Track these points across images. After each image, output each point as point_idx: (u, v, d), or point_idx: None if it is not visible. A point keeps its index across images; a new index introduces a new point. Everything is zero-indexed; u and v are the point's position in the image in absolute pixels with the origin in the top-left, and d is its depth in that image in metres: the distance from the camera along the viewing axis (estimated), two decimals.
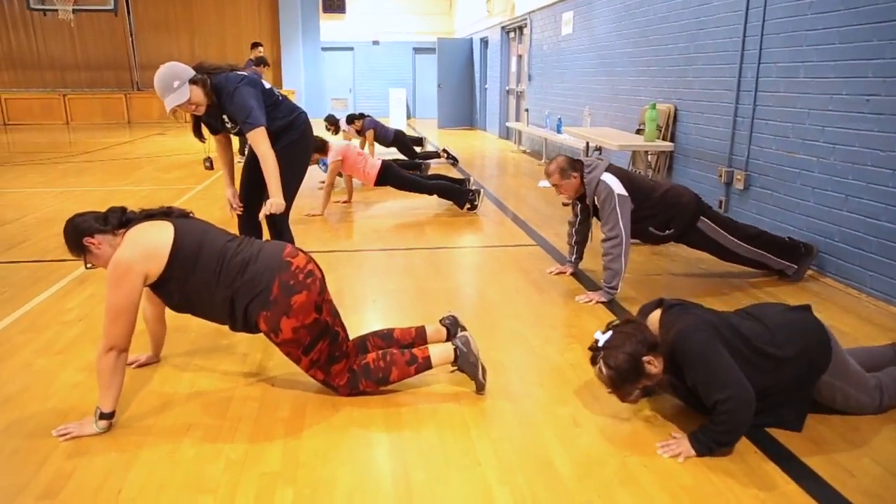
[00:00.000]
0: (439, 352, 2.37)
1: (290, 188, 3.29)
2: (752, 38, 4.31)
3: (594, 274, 3.81)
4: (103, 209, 2.22)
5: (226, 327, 2.35)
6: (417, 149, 8.54)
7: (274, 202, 3.06)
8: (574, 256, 3.85)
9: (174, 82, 2.80)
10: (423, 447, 2.07)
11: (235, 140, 3.38)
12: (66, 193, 6.47)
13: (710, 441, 1.98)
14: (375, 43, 17.64)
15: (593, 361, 2.17)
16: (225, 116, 3.03)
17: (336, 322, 2.29)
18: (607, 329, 2.16)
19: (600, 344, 2.13)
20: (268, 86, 3.16)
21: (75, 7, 13.07)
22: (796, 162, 3.92)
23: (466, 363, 2.36)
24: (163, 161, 8.89)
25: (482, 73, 13.67)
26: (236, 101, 2.92)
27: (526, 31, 10.38)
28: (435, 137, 12.36)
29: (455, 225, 5.25)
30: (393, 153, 7.99)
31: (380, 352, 2.37)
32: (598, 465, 1.97)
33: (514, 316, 3.21)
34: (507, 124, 11.29)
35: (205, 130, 3.19)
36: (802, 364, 2.09)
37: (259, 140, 2.98)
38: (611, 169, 3.38)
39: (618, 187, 3.28)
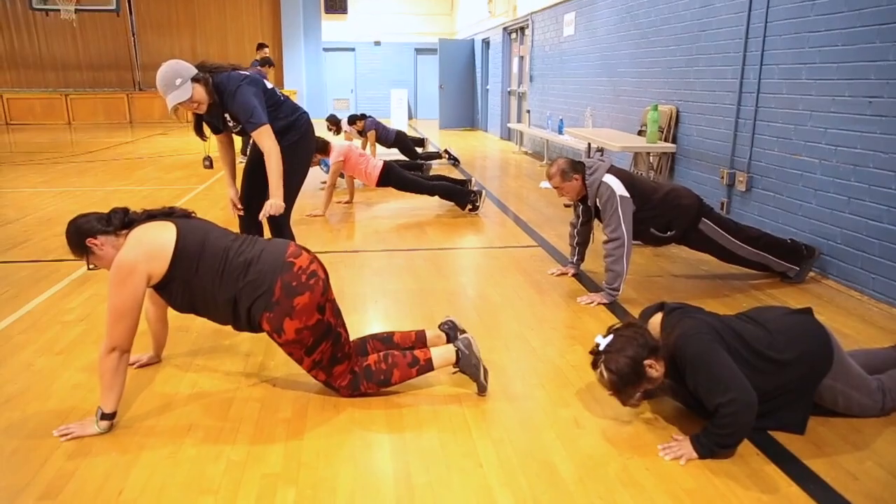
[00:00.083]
0: (441, 353, 2.37)
1: (292, 189, 3.29)
2: (755, 39, 4.30)
3: (596, 275, 3.80)
4: (105, 209, 2.22)
5: (227, 328, 2.35)
6: (419, 149, 8.54)
7: (273, 204, 3.06)
8: (576, 258, 3.84)
9: (176, 80, 2.80)
10: (424, 448, 2.07)
11: (237, 140, 3.38)
12: (68, 193, 6.48)
13: (712, 444, 1.98)
14: (377, 43, 17.65)
15: (594, 365, 2.16)
16: (227, 115, 3.03)
17: (339, 323, 2.29)
18: (608, 333, 2.16)
19: (601, 348, 2.12)
20: (270, 86, 3.16)
21: (77, 7, 13.10)
22: (798, 164, 3.92)
23: (468, 365, 2.36)
24: (164, 161, 8.89)
25: (484, 73, 13.68)
26: (238, 101, 2.92)
27: (527, 31, 10.38)
28: (436, 138, 12.36)
29: (456, 226, 5.25)
30: (394, 154, 7.99)
31: (381, 353, 2.37)
32: (600, 467, 1.97)
33: (515, 317, 3.21)
34: (509, 125, 11.29)
35: (206, 129, 3.19)
36: (804, 368, 2.08)
37: (265, 137, 2.99)
38: (612, 170, 3.37)
39: (620, 189, 3.28)
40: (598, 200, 3.36)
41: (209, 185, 6.97)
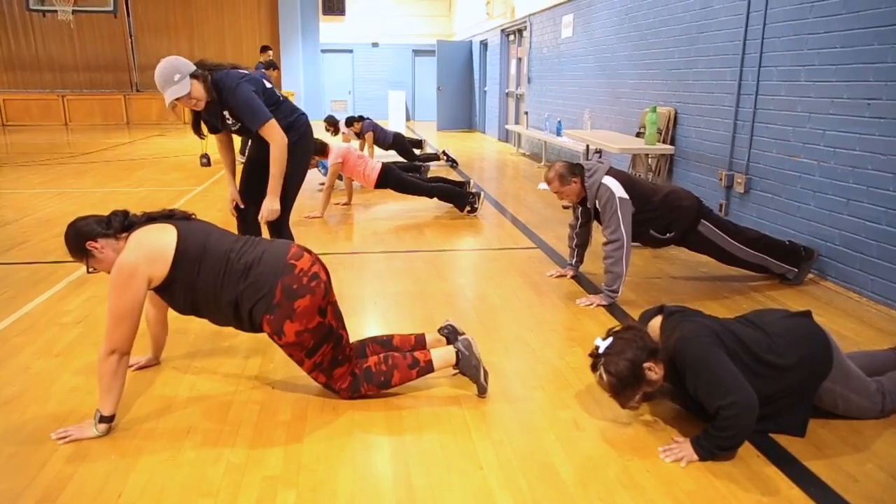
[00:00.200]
0: (441, 355, 2.37)
1: (291, 190, 3.28)
2: (753, 41, 4.31)
3: (595, 277, 3.80)
4: (103, 211, 2.21)
5: (225, 330, 2.35)
6: (417, 151, 8.54)
7: (269, 209, 3.07)
8: (575, 259, 3.84)
9: (175, 75, 2.79)
10: (424, 450, 2.06)
11: (236, 140, 3.37)
12: (65, 194, 6.46)
13: (713, 446, 1.97)
14: (375, 45, 17.66)
15: (594, 368, 2.16)
16: (226, 113, 3.02)
17: (340, 325, 2.29)
18: (608, 335, 2.16)
19: (601, 350, 2.12)
20: (269, 85, 3.15)
21: (75, 8, 13.07)
22: (797, 165, 3.92)
23: (468, 366, 2.36)
24: (162, 162, 8.88)
25: (481, 75, 13.69)
26: (239, 98, 2.92)
27: (525, 33, 10.39)
28: (434, 140, 12.36)
29: (455, 227, 5.25)
30: (392, 156, 7.98)
31: (382, 355, 2.36)
32: (600, 469, 1.96)
33: (515, 319, 3.21)
34: (507, 127, 11.30)
35: (204, 128, 3.19)
36: (803, 371, 2.08)
37: (274, 131, 3.00)
38: (612, 172, 3.37)
39: (619, 190, 3.28)
40: (597, 202, 3.36)
41: (207, 187, 6.96)
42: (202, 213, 5.32)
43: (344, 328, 2.31)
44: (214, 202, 6.08)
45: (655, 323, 2.22)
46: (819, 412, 2.17)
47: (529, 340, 2.95)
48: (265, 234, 3.36)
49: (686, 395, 2.13)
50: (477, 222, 5.43)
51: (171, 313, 2.43)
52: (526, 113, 10.13)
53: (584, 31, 7.69)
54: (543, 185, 3.76)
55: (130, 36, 15.59)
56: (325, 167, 6.19)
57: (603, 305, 3.35)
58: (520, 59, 11.14)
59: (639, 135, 5.85)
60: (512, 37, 11.62)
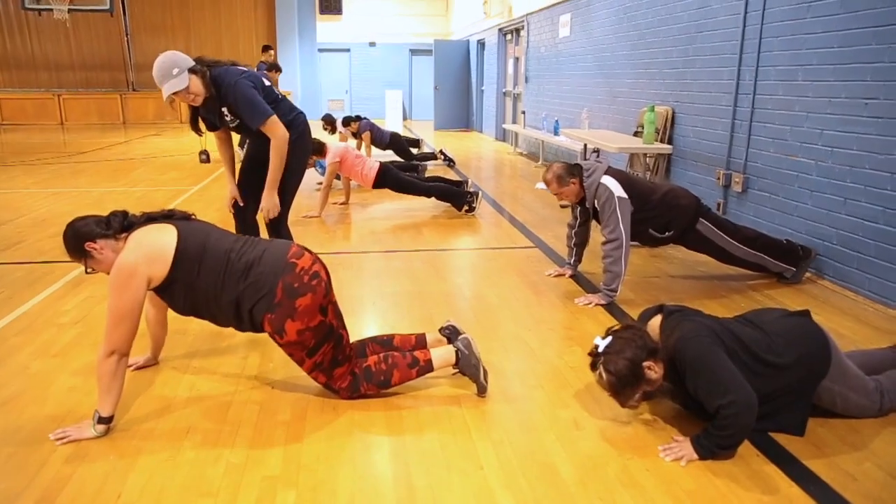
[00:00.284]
0: (441, 354, 2.37)
1: (289, 189, 3.28)
2: (751, 40, 4.32)
3: (593, 276, 3.81)
4: (99, 210, 2.20)
5: (224, 330, 2.34)
6: (414, 150, 8.53)
7: (270, 203, 3.07)
8: (573, 259, 3.85)
9: (173, 69, 2.79)
10: (424, 450, 2.06)
11: (234, 137, 3.36)
12: (62, 194, 6.44)
13: (713, 445, 1.98)
14: (372, 44, 17.64)
15: (593, 367, 2.17)
16: (224, 110, 3.01)
17: (340, 325, 2.28)
18: (607, 334, 2.16)
19: (600, 349, 2.13)
20: (268, 83, 3.15)
21: (70, 7, 13.02)
22: (795, 165, 3.93)
23: (468, 365, 2.36)
24: (158, 162, 8.85)
25: (479, 74, 13.68)
26: (240, 95, 2.92)
27: (523, 33, 10.39)
28: (431, 139, 12.36)
29: (453, 227, 5.25)
30: (389, 156, 7.97)
31: (381, 355, 2.36)
32: (600, 469, 1.97)
33: (513, 318, 3.21)
34: (504, 126, 11.30)
35: (202, 125, 3.18)
36: (802, 370, 2.09)
37: (276, 126, 3.01)
38: (610, 171, 3.38)
39: (618, 190, 3.28)
40: (596, 202, 3.36)
41: (204, 186, 6.94)
42: (199, 212, 5.28)
43: (344, 328, 2.31)
44: (212, 202, 6.06)
45: (655, 322, 2.22)
46: (818, 411, 2.18)
47: (528, 340, 2.95)
48: (263, 233, 3.35)
49: (686, 395, 2.13)
50: (475, 222, 5.43)
51: (171, 313, 2.42)
52: (523, 112, 10.14)
53: (582, 31, 7.69)
54: (541, 185, 3.76)
55: (127, 35, 15.54)
56: (322, 167, 6.18)
57: (601, 304, 3.35)
58: (517, 59, 11.14)
59: (636, 134, 5.86)
60: (509, 36, 11.62)
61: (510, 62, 11.64)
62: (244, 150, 3.46)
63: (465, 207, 5.62)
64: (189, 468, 1.95)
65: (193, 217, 2.28)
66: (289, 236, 3.33)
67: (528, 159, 9.55)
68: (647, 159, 5.62)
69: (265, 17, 16.10)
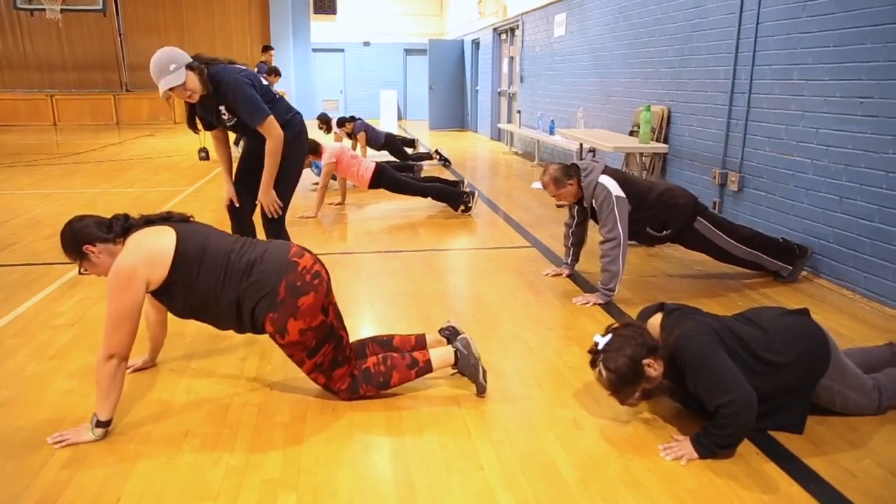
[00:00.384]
0: (440, 355, 2.36)
1: (287, 189, 3.27)
2: (746, 40, 4.33)
3: (590, 276, 3.81)
4: (93, 212, 2.17)
5: (222, 332, 2.33)
6: (410, 150, 8.52)
7: (268, 200, 3.07)
8: (570, 258, 3.85)
9: (171, 65, 2.78)
10: (424, 451, 2.06)
11: (230, 136, 3.35)
12: (56, 195, 6.40)
13: (713, 444, 1.98)
14: (366, 44, 17.61)
15: (593, 364, 2.17)
16: (222, 108, 3.00)
17: (340, 326, 2.28)
18: (607, 332, 2.16)
19: (600, 347, 2.13)
20: (265, 82, 3.14)
21: (63, 7, 12.94)
22: (790, 163, 3.94)
23: (467, 365, 2.35)
24: (152, 163, 8.81)
25: (473, 74, 13.68)
26: (238, 92, 2.91)
27: (518, 32, 10.40)
28: (426, 139, 12.35)
29: (449, 227, 5.24)
30: (384, 156, 7.96)
31: (380, 356, 2.35)
32: (601, 468, 1.97)
33: (511, 318, 3.20)
34: (499, 126, 11.30)
35: (199, 124, 3.17)
36: (802, 369, 2.09)
37: (274, 127, 3.01)
38: (607, 171, 3.38)
39: (615, 189, 3.29)
40: (594, 202, 3.36)
41: (199, 187, 6.91)
42: (195, 213, 5.23)
43: (344, 329, 2.30)
44: (207, 202, 6.04)
45: (655, 320, 2.23)
46: (816, 409, 2.18)
47: (527, 339, 2.95)
48: (260, 234, 3.34)
49: (686, 393, 2.13)
50: (471, 221, 5.43)
51: (171, 315, 2.41)
52: (518, 112, 10.14)
53: (578, 30, 7.70)
54: (537, 185, 3.76)
55: (120, 35, 15.44)
56: (318, 167, 6.16)
57: (599, 304, 3.35)
58: (512, 58, 11.14)
59: (632, 133, 5.87)
60: (504, 36, 11.62)
61: (505, 62, 11.64)
62: (240, 148, 3.44)
63: (462, 207, 5.61)
64: (188, 472, 1.94)
65: (192, 219, 2.26)
66: (287, 237, 3.32)
67: (523, 159, 9.55)
68: (643, 159, 5.63)
69: (259, 17, 16.04)
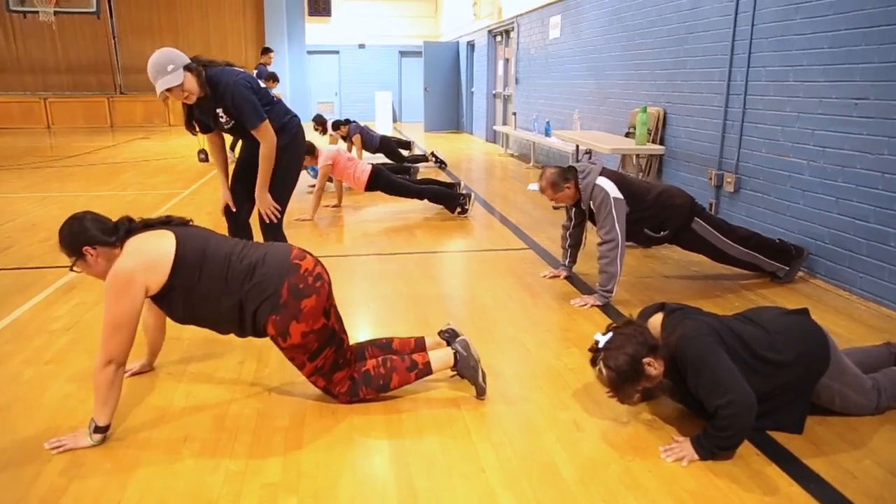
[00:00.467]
0: (439, 357, 2.36)
1: (284, 192, 3.26)
2: (742, 41, 4.35)
3: (588, 277, 3.81)
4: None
5: (220, 335, 2.31)
6: (405, 152, 8.52)
7: (265, 203, 3.06)
8: (568, 260, 3.85)
9: (168, 66, 2.77)
10: (425, 454, 2.05)
11: (227, 139, 3.34)
12: (50, 199, 6.36)
13: (713, 445, 1.98)
14: (361, 46, 17.61)
15: (593, 362, 2.17)
16: (219, 111, 2.99)
17: (341, 329, 2.27)
18: (607, 330, 2.16)
19: (600, 345, 2.13)
20: (263, 85, 3.14)
21: (56, 9, 12.88)
22: (786, 165, 3.96)
23: (466, 367, 2.35)
24: (147, 165, 8.78)
25: (469, 76, 13.69)
26: (237, 95, 2.90)
27: (513, 34, 10.41)
28: (421, 141, 12.35)
29: (446, 229, 5.24)
30: (380, 159, 7.95)
31: (380, 358, 2.35)
32: (602, 470, 1.97)
33: (509, 320, 3.20)
34: (495, 128, 11.31)
35: (196, 126, 3.16)
36: (802, 368, 2.10)
37: (267, 132, 3.01)
38: (605, 173, 3.38)
39: (613, 191, 3.29)
40: (591, 203, 3.36)
41: (194, 190, 6.89)
42: (191, 216, 5.24)
43: (344, 332, 2.30)
44: (203, 205, 6.02)
45: (656, 320, 2.23)
46: (816, 409, 2.19)
47: (525, 341, 2.95)
48: (257, 237, 3.33)
49: (686, 393, 2.13)
50: (467, 224, 5.43)
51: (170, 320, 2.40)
52: (514, 114, 10.16)
53: (573, 32, 7.71)
54: (533, 186, 3.76)
55: (114, 37, 15.38)
56: (314, 171, 6.15)
57: (597, 305, 3.36)
58: (507, 60, 11.16)
59: (628, 135, 5.88)
60: (499, 38, 11.63)
61: (500, 64, 11.66)
62: (236, 153, 3.43)
63: (458, 209, 5.61)
64: (188, 477, 1.93)
65: (191, 222, 2.25)
66: (285, 240, 3.31)
67: (519, 161, 9.56)
68: (640, 160, 5.64)
69: (254, 19, 16.01)
